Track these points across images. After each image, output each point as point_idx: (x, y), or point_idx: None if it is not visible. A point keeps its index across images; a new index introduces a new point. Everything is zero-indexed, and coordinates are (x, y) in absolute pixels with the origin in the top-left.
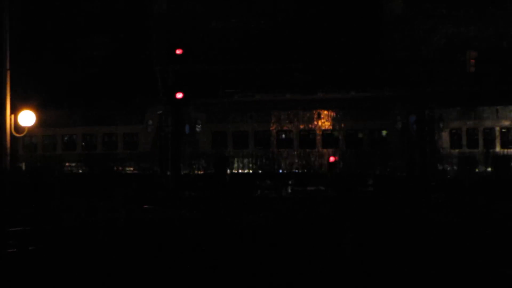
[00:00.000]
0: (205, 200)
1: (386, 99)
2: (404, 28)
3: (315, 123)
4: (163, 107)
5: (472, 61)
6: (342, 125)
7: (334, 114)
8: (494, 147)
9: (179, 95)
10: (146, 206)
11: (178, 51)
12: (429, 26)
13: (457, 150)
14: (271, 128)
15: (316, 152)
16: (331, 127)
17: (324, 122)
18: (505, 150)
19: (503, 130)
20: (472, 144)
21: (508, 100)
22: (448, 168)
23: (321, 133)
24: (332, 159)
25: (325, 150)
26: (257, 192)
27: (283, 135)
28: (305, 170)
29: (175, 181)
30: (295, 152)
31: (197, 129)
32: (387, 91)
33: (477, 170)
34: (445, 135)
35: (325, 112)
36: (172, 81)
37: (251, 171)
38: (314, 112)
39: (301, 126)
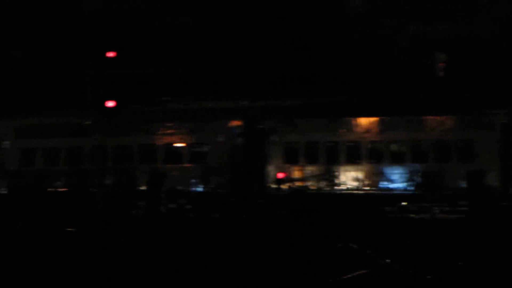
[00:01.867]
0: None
1: (208, 110)
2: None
3: None
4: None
5: (442, 64)
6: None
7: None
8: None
9: (111, 104)
10: (69, 229)
11: (110, 54)
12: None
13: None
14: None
15: None
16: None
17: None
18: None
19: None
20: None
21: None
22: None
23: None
24: None
25: None
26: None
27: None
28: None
29: (101, 201)
30: None
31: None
32: (211, 103)
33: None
34: (278, 149)
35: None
36: (103, 88)
37: None
38: None
39: None
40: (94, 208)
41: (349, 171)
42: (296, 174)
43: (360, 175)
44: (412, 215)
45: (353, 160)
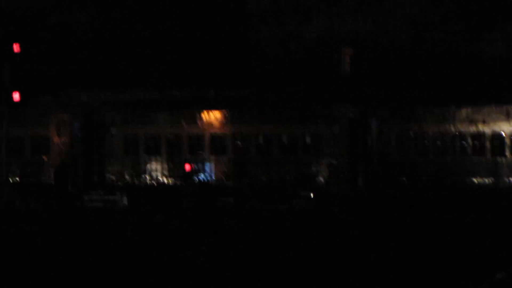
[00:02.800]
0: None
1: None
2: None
3: None
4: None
5: (348, 59)
6: None
7: None
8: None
9: (16, 96)
10: None
11: (16, 47)
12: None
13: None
14: None
15: None
16: None
17: None
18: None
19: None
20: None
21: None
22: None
23: None
24: None
25: None
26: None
27: None
28: None
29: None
30: None
31: None
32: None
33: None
34: (118, 142)
35: None
36: (8, 80)
37: None
38: None
39: None
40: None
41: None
42: (136, 166)
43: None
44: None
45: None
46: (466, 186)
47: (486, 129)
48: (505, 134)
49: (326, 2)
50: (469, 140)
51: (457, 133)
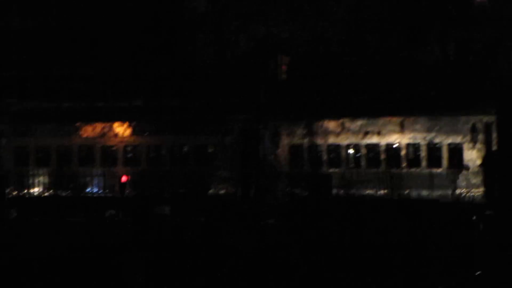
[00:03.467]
0: None
1: None
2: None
3: None
4: None
5: (284, 67)
6: None
7: None
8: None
9: None
10: None
11: None
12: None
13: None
14: None
15: None
16: None
17: None
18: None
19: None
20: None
21: None
22: None
23: None
24: None
25: None
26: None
27: None
28: None
29: None
30: None
31: None
32: None
33: None
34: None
35: None
36: None
37: None
38: None
39: None
40: None
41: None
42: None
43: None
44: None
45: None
46: (352, 198)
47: (382, 141)
48: (400, 145)
49: (264, 8)
50: (363, 152)
51: (350, 144)
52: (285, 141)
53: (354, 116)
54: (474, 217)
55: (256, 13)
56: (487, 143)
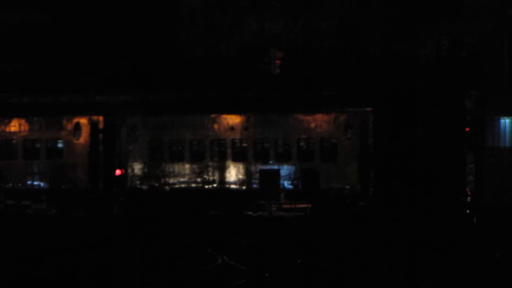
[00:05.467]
0: None
1: None
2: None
3: None
4: None
5: (278, 61)
6: None
7: None
8: None
9: None
10: None
11: None
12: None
13: None
14: None
15: None
16: None
17: None
18: None
19: None
20: None
21: None
22: None
23: None
24: None
25: None
26: None
27: None
28: None
29: None
30: None
31: None
32: None
33: None
34: None
35: None
36: None
37: None
38: None
39: None
40: None
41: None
42: None
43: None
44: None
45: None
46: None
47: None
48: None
49: (257, 3)
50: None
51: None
52: (144, 136)
53: None
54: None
55: (250, 8)
56: (362, 137)
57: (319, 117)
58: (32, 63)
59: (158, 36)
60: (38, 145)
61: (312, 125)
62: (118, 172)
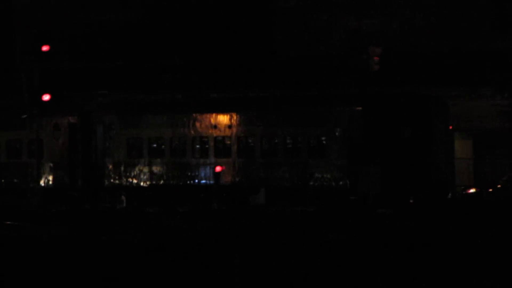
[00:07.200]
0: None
1: None
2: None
3: None
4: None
5: (376, 58)
6: None
7: None
8: None
9: (46, 97)
10: (8, 223)
11: (45, 48)
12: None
13: None
14: None
15: None
16: None
17: None
18: None
19: None
20: None
21: None
22: None
23: None
24: None
25: None
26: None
27: None
28: None
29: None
30: None
31: None
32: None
33: None
34: None
35: None
36: (38, 82)
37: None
38: None
39: None
40: (33, 201)
41: None
42: None
43: None
44: None
45: None
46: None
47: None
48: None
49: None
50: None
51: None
52: (120, 135)
53: None
54: None
55: (346, 5)
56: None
57: None
58: (126, 60)
59: (254, 35)
60: None
61: None
62: (218, 168)
